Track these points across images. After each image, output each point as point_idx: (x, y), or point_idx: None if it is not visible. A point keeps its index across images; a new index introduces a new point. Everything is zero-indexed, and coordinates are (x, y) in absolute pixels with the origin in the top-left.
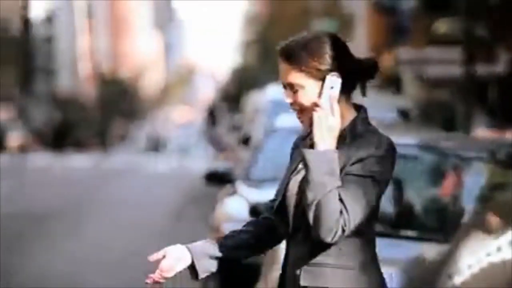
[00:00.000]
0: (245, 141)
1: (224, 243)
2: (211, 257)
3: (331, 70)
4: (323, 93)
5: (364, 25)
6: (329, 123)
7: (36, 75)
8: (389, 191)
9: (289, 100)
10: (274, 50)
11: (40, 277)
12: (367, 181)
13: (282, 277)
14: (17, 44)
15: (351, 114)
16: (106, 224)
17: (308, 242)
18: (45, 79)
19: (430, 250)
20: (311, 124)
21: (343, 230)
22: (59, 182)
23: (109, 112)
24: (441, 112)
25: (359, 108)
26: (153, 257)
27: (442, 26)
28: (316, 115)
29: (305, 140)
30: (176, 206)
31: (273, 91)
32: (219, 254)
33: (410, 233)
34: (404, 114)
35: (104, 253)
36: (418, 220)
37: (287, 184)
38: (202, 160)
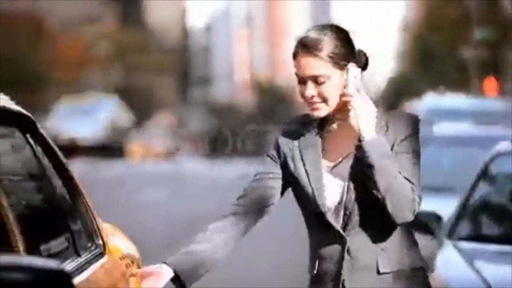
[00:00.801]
0: None
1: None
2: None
3: (349, 60)
4: (349, 83)
5: None
6: (368, 110)
7: (194, 83)
8: None
9: (312, 94)
10: (433, 58)
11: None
12: (415, 158)
13: (319, 274)
14: (176, 54)
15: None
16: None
17: (368, 231)
18: (202, 87)
19: None
20: (333, 114)
21: (418, 205)
22: (216, 188)
23: (266, 120)
24: None
25: None
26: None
27: None
28: (354, 105)
29: (311, 129)
30: None
31: (431, 100)
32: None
33: None
34: None
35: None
36: None
37: (318, 178)
38: None
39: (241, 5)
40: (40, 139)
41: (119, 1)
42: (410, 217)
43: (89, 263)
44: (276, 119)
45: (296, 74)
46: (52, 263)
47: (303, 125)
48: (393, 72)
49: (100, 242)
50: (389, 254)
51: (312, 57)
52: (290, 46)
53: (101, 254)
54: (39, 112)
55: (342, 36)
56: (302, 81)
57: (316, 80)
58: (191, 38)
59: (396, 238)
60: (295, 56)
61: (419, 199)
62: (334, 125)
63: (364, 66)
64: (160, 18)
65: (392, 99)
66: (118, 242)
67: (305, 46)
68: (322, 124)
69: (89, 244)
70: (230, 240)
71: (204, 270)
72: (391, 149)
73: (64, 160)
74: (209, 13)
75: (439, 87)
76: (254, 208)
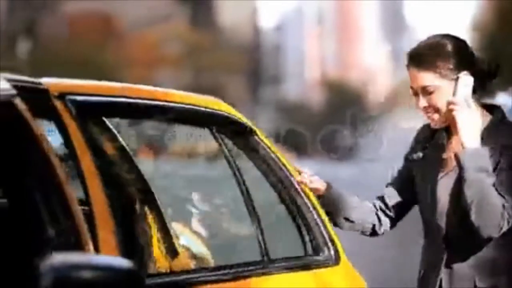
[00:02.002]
0: None
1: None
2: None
3: (462, 69)
4: (458, 91)
5: None
6: (473, 119)
7: (265, 82)
8: None
9: (423, 104)
10: (504, 58)
11: None
12: None
13: (424, 282)
14: (246, 53)
15: (485, 115)
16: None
17: (466, 244)
18: (273, 86)
19: None
20: (444, 123)
21: (508, 222)
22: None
23: (337, 119)
24: None
25: (491, 107)
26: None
27: None
28: (459, 114)
29: (433, 138)
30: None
31: (501, 100)
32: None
33: None
34: None
35: None
36: None
37: (433, 186)
38: None
39: (313, 4)
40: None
41: (189, 1)
42: (495, 233)
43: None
44: (346, 118)
45: (411, 87)
46: (124, 262)
47: (426, 135)
48: None
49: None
50: (486, 269)
51: (419, 69)
52: (361, 44)
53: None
54: None
55: (454, 46)
56: (415, 92)
57: (425, 90)
58: (262, 37)
59: (493, 253)
60: (408, 67)
61: (510, 215)
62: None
63: (488, 74)
64: (231, 17)
65: None
66: (187, 241)
67: (413, 59)
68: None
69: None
70: (373, 216)
71: (344, 215)
72: (498, 163)
73: (282, 164)
74: (281, 12)
75: (510, 88)
76: (395, 210)
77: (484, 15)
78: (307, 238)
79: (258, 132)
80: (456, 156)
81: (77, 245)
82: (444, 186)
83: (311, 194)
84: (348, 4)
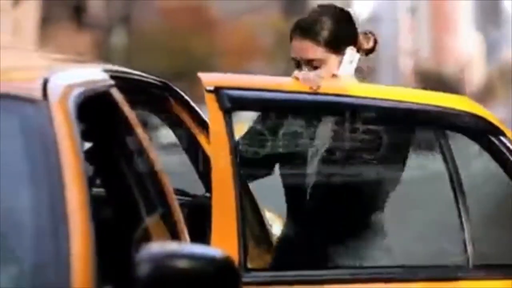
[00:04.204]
0: None
1: None
2: None
3: (346, 44)
4: (342, 66)
5: None
6: None
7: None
8: None
9: None
10: None
11: None
12: None
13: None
14: None
15: None
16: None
17: None
18: (367, 77)
19: None
20: None
21: None
22: None
23: None
24: None
25: None
26: None
27: None
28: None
29: None
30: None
31: None
32: None
33: None
34: None
35: None
36: None
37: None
38: None
39: None
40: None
41: None
42: None
43: None
44: None
45: (292, 58)
46: (219, 252)
47: None
48: None
49: None
50: None
51: (307, 41)
52: (455, 34)
53: None
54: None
55: (342, 18)
56: (298, 64)
57: (310, 64)
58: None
59: None
60: (291, 38)
61: None
62: None
63: (370, 49)
64: None
65: None
66: (279, 230)
67: (301, 29)
68: None
69: None
70: None
71: None
72: None
73: None
74: (374, 3)
75: None
76: None
77: None
78: None
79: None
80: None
81: (173, 234)
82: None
83: None
84: None
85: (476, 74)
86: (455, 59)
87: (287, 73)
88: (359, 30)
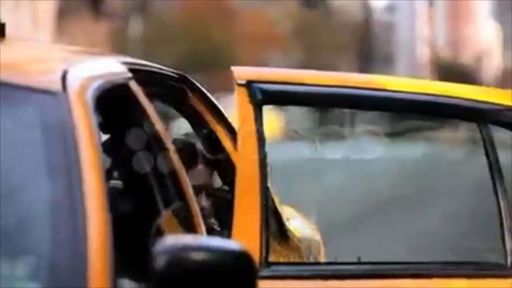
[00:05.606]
0: None
1: None
2: None
3: None
4: None
5: None
6: None
7: (376, 61)
8: None
9: None
10: None
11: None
12: None
13: None
14: (358, 32)
15: None
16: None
17: None
18: (384, 65)
19: None
20: None
21: None
22: (395, 171)
23: None
24: None
25: None
26: None
27: None
28: None
29: None
30: None
31: None
32: None
33: None
34: None
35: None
36: None
37: None
38: None
39: None
40: None
41: None
42: None
43: None
44: None
45: None
46: (236, 245)
47: None
48: None
49: None
50: None
51: None
52: (473, 24)
53: None
54: (224, 91)
55: None
56: None
57: None
58: (373, 16)
59: None
60: None
61: None
62: None
63: None
64: None
65: None
66: (297, 224)
67: None
68: None
69: None
70: None
71: None
72: None
73: None
74: None
75: None
76: None
77: None
78: None
79: None
80: None
81: (190, 227)
82: None
83: None
84: None
85: (493, 64)
86: (472, 49)
87: (306, 62)
88: (377, 19)
